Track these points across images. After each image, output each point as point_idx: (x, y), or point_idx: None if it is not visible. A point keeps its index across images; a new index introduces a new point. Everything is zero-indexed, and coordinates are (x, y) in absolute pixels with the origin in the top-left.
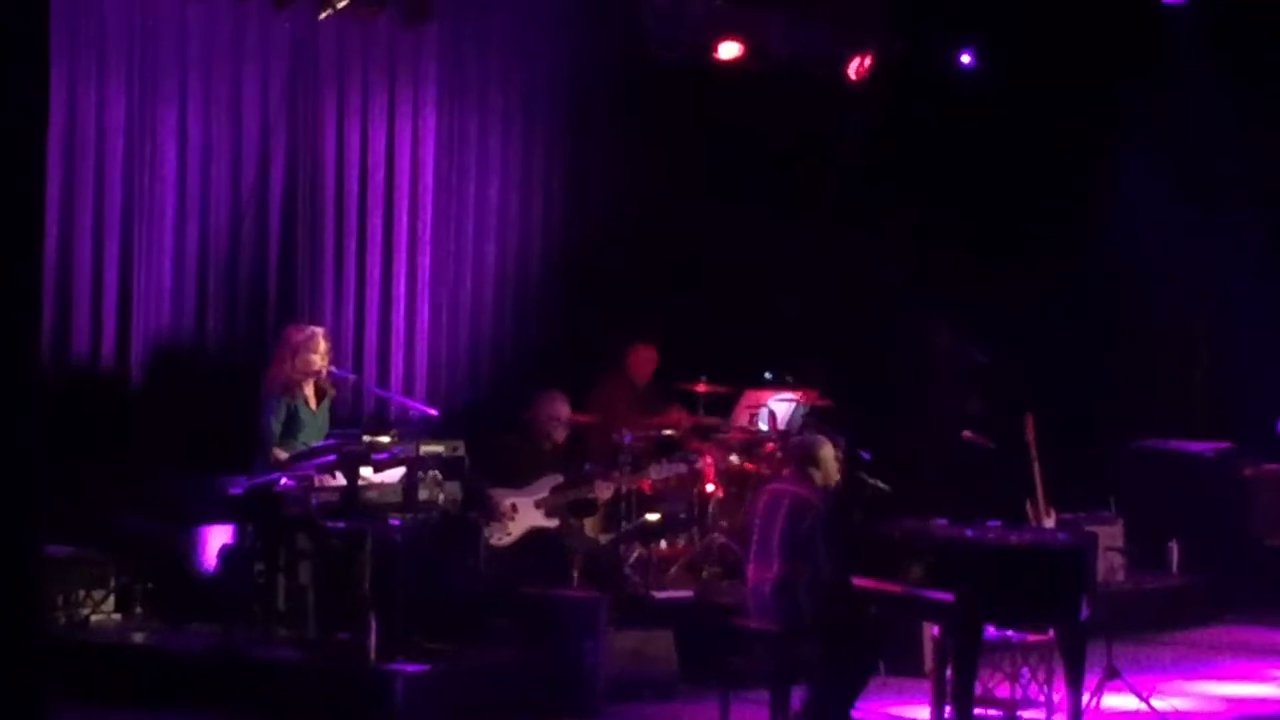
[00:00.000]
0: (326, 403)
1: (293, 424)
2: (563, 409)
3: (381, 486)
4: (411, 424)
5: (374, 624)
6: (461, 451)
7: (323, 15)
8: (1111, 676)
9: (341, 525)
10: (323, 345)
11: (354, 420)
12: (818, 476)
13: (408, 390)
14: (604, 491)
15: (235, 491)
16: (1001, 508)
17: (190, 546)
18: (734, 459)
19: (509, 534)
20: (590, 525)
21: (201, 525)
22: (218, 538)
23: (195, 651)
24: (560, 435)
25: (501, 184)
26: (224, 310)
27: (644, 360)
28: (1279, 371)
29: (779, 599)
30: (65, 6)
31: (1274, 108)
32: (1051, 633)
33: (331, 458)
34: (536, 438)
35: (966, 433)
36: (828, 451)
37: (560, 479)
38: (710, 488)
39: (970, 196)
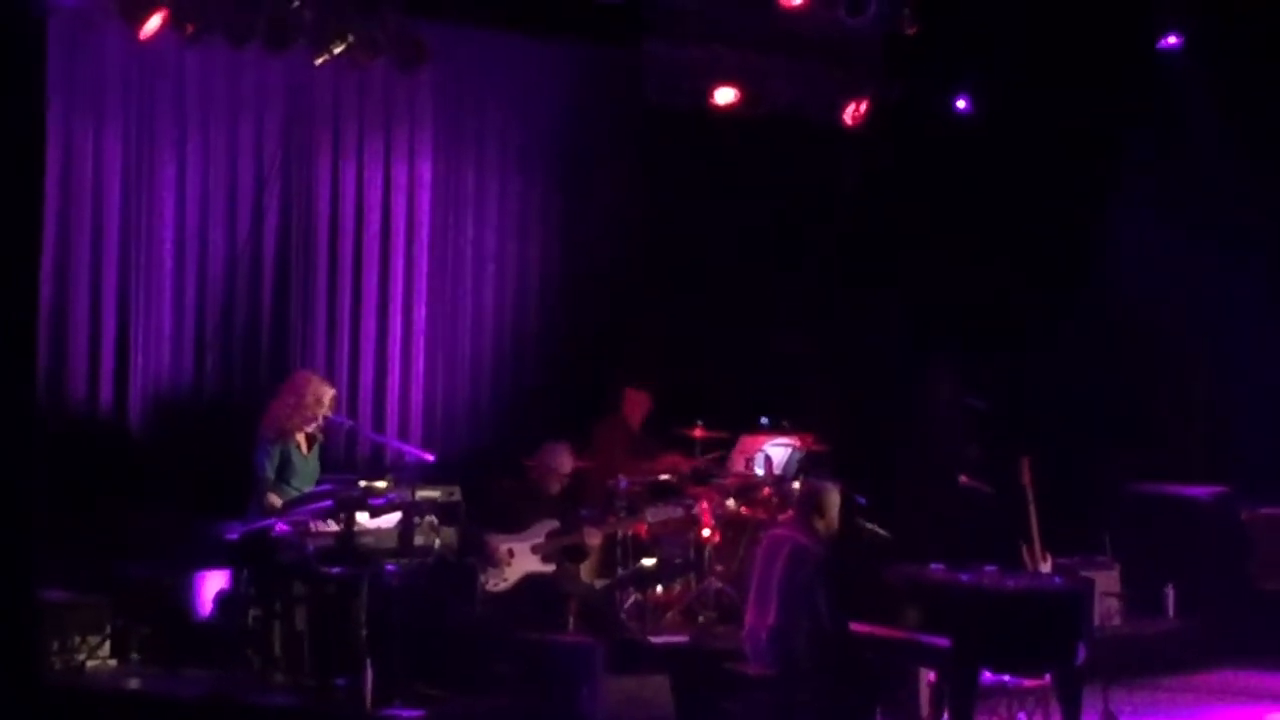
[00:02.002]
0: (317, 448)
1: (285, 468)
2: (565, 462)
3: (378, 532)
4: (407, 469)
5: (370, 669)
6: (458, 496)
7: (318, 61)
8: None
9: (337, 570)
10: (329, 404)
11: (349, 465)
12: (821, 525)
13: (403, 435)
14: (593, 538)
15: (231, 537)
16: (998, 552)
17: (186, 592)
18: (730, 504)
19: (505, 579)
20: (586, 570)
21: (198, 570)
22: (214, 583)
23: (191, 697)
24: (556, 488)
25: (498, 229)
26: (220, 355)
27: (638, 404)
28: (1276, 416)
29: (776, 644)
30: (62, 53)
31: (1270, 148)
32: (1048, 677)
33: (328, 503)
34: (534, 484)
35: (963, 477)
36: (834, 500)
37: (556, 524)
38: (706, 533)
39: (967, 240)
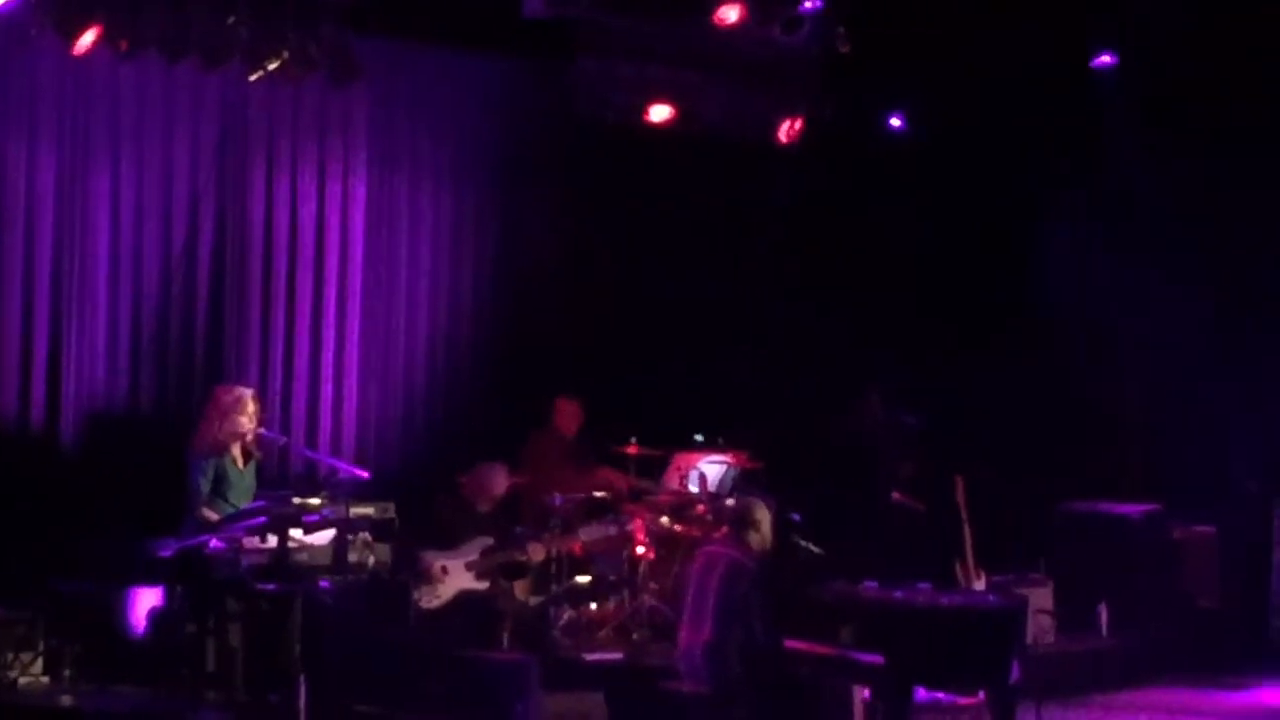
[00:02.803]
0: (254, 464)
1: (220, 484)
2: (500, 483)
3: (312, 548)
4: (341, 486)
5: (304, 686)
6: (392, 514)
7: (253, 77)
8: None
9: (271, 587)
10: (251, 407)
11: (282, 481)
12: (755, 540)
13: (335, 451)
14: (536, 553)
15: (165, 553)
16: (931, 570)
17: (120, 608)
18: (665, 521)
19: (439, 596)
20: (520, 588)
21: (131, 587)
22: (147, 599)
23: (124, 714)
24: (488, 507)
25: (432, 244)
26: (155, 371)
27: (570, 414)
28: (1207, 434)
29: (710, 661)
30: None
31: (1201, 167)
32: (982, 695)
33: (262, 519)
34: (468, 502)
35: (896, 495)
36: (765, 515)
37: (490, 541)
38: (641, 550)
39: (901, 259)
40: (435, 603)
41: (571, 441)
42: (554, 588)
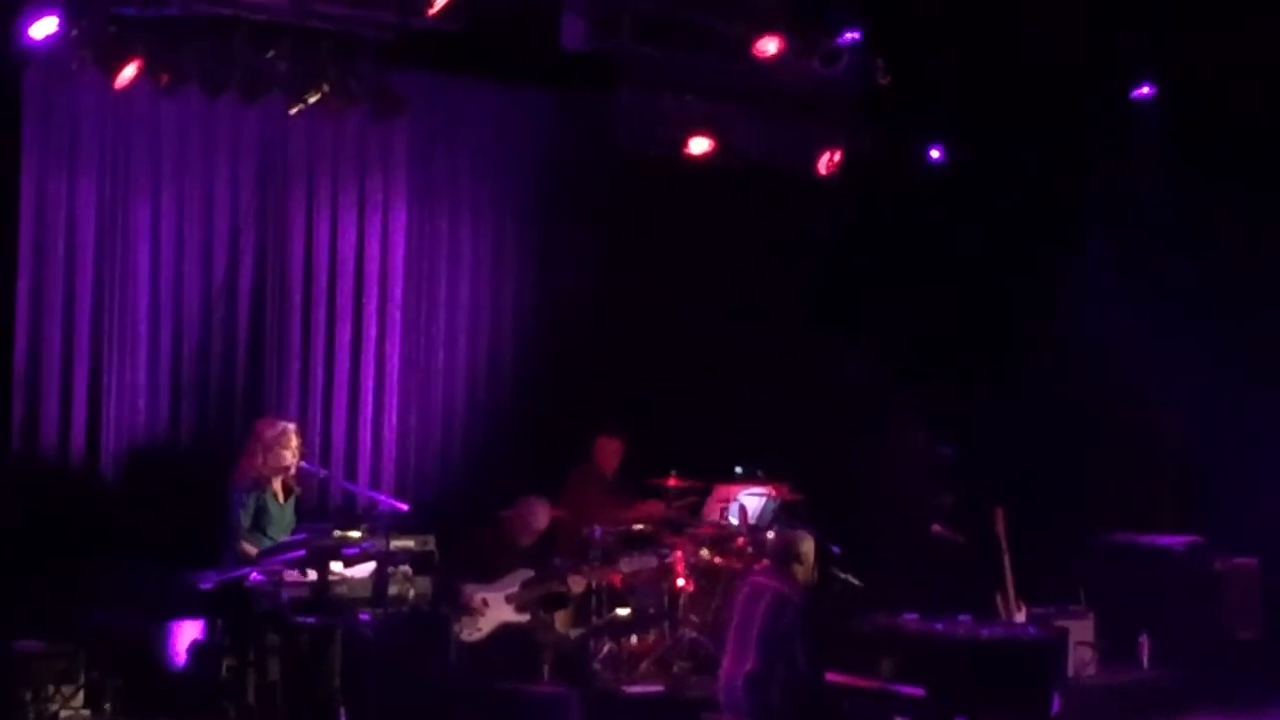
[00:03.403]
0: (294, 498)
1: (261, 518)
2: (542, 518)
3: (352, 581)
4: (381, 518)
5: (344, 719)
6: (432, 546)
7: (293, 111)
8: None
9: (311, 620)
10: (294, 441)
11: (322, 514)
12: (800, 572)
13: (375, 484)
14: (577, 585)
15: (205, 586)
16: (971, 602)
17: (160, 642)
18: (704, 553)
19: (479, 629)
20: (561, 620)
21: (172, 620)
22: (188, 633)
23: None
24: (529, 541)
25: (472, 278)
26: (195, 404)
27: (610, 452)
28: (1246, 466)
29: (751, 693)
30: (37, 103)
31: (1238, 203)
32: None
33: (302, 553)
34: (509, 535)
35: (936, 527)
36: (809, 547)
37: (530, 573)
38: (681, 582)
39: (939, 291)
40: (476, 635)
41: (611, 479)
42: (594, 620)
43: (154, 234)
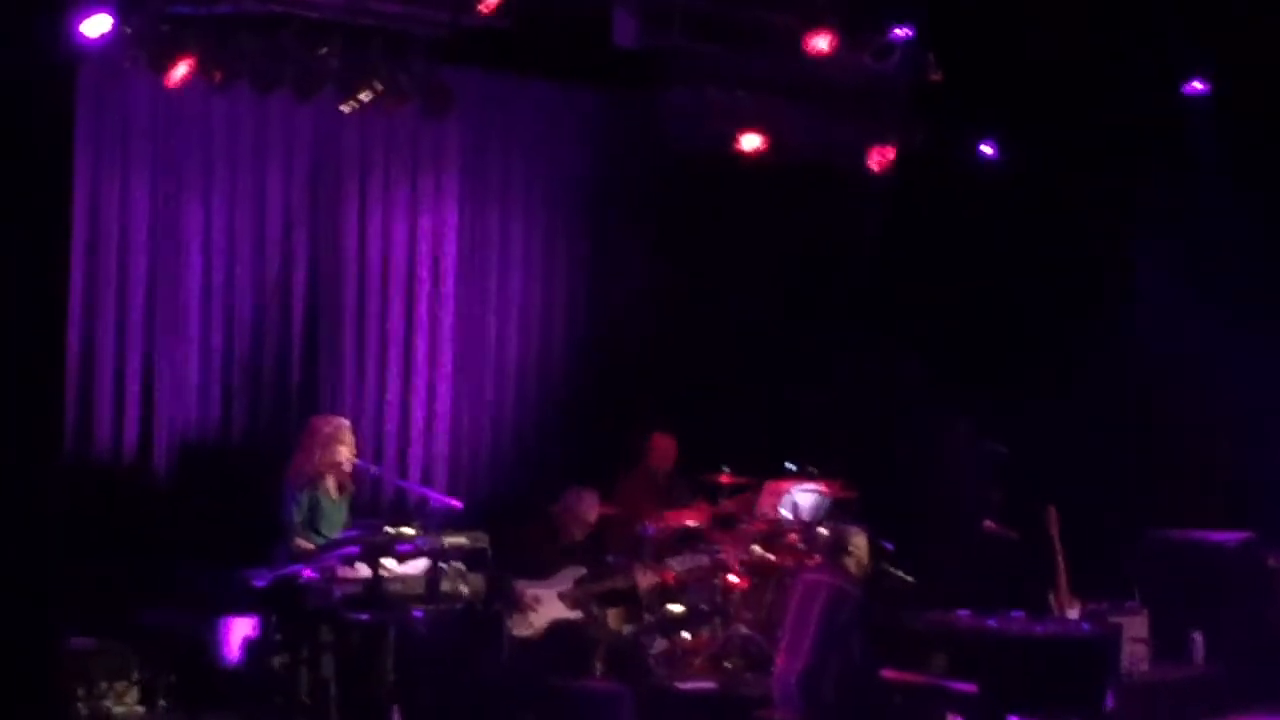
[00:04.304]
0: (347, 495)
1: (314, 515)
2: (591, 509)
3: (405, 578)
4: (433, 515)
5: (397, 716)
6: (485, 543)
7: (345, 108)
8: None
9: (365, 617)
10: (348, 437)
11: (374, 511)
12: (852, 565)
13: (427, 480)
14: (645, 579)
15: (258, 583)
16: (1024, 598)
17: (213, 638)
18: (756, 550)
19: (532, 625)
20: (614, 617)
21: (225, 617)
22: (241, 629)
23: None
24: (580, 535)
25: (523, 275)
26: (248, 402)
27: (664, 450)
28: None
29: (805, 688)
30: (90, 102)
31: None
32: None
33: (355, 549)
34: (560, 531)
35: (989, 524)
36: (861, 540)
37: (583, 570)
38: (733, 579)
39: (990, 288)
40: (528, 632)
41: (664, 477)
42: (647, 617)
43: (206, 232)
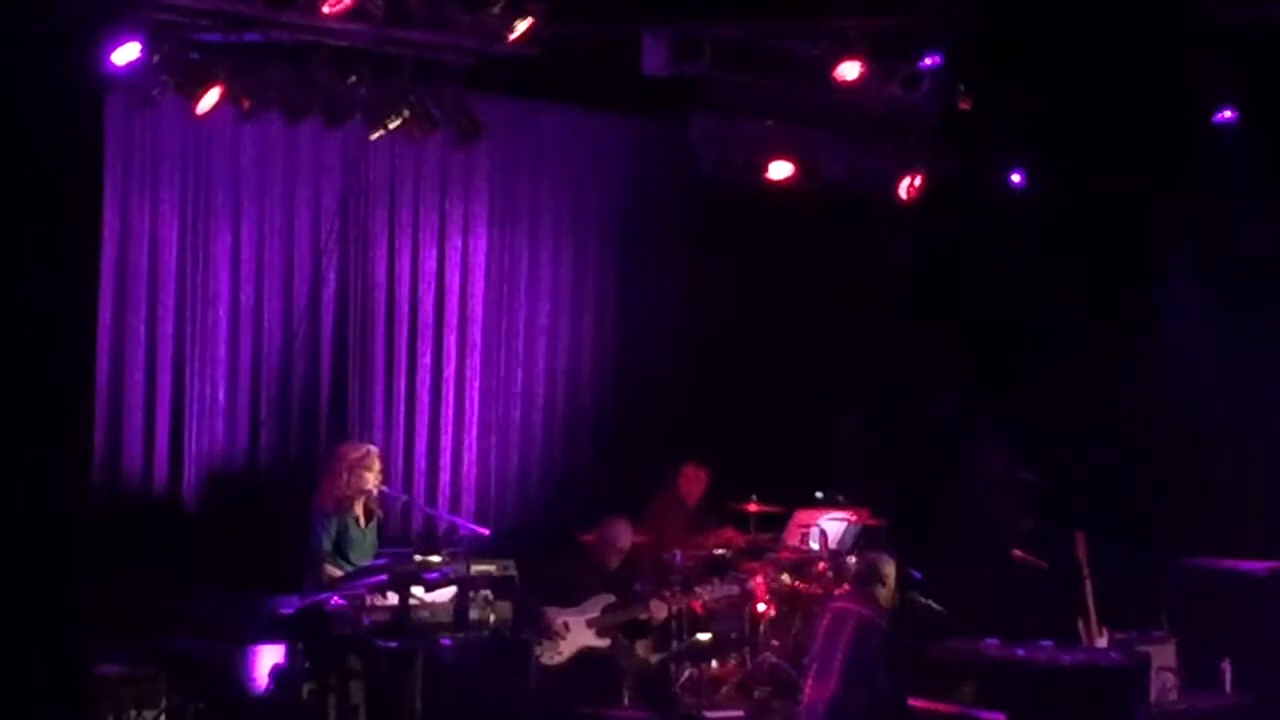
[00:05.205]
0: (375, 522)
1: (342, 542)
2: (625, 537)
3: (433, 606)
4: (461, 543)
5: None
6: (513, 571)
7: (374, 136)
8: None
9: (393, 645)
10: (377, 464)
11: (402, 539)
12: (883, 595)
13: (455, 508)
14: (659, 611)
15: (286, 611)
16: (1053, 627)
17: (242, 666)
18: (785, 578)
19: (560, 653)
20: (642, 645)
21: (253, 644)
22: (269, 657)
23: None
24: (615, 562)
25: (552, 302)
26: (276, 429)
27: (694, 480)
28: None
29: (832, 716)
30: (119, 128)
31: None
32: None
33: (383, 577)
34: (594, 559)
35: (1017, 552)
36: (891, 569)
37: (612, 598)
38: (762, 607)
39: (1020, 315)
40: (556, 659)
41: (693, 508)
42: (675, 645)
43: (235, 258)
